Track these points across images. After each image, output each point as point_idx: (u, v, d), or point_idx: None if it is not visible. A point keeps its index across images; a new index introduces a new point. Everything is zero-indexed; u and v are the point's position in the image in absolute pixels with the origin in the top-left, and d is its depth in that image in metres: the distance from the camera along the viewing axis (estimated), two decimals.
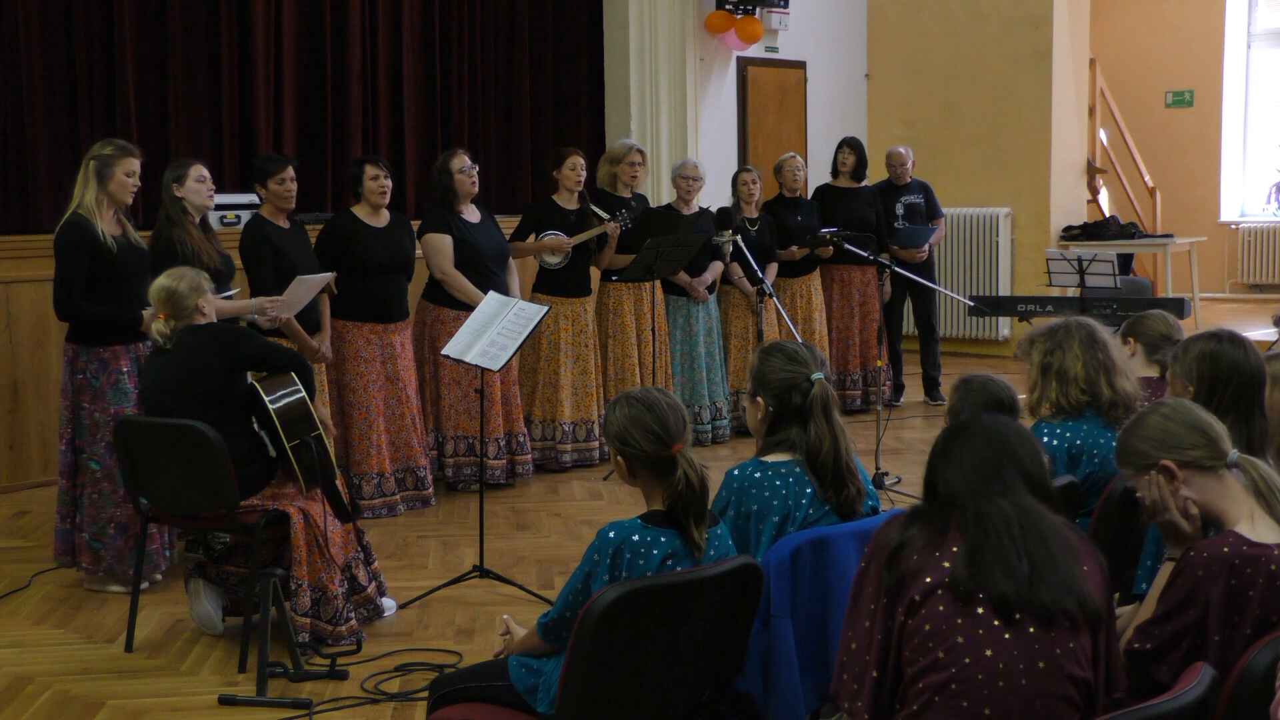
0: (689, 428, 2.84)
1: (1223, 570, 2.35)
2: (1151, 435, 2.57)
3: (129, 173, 4.96)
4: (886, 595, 2.17)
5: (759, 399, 3.12)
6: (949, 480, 2.27)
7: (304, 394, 4.34)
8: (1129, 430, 2.63)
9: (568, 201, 6.91)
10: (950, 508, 2.22)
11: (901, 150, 8.65)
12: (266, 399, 4.24)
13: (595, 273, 7.18)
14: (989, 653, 2.08)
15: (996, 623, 2.09)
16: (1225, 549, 2.37)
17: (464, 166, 6.34)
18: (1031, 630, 2.08)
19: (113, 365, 4.96)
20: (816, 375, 3.07)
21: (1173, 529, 2.56)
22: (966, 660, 2.07)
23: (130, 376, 4.99)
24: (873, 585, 2.21)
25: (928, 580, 2.13)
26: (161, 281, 4.38)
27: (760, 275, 7.00)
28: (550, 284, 6.89)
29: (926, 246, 8.48)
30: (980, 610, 2.09)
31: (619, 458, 2.80)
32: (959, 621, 2.09)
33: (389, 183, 6.06)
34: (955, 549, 2.15)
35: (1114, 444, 3.46)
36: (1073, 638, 2.11)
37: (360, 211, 6.08)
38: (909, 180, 8.66)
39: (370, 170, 6.03)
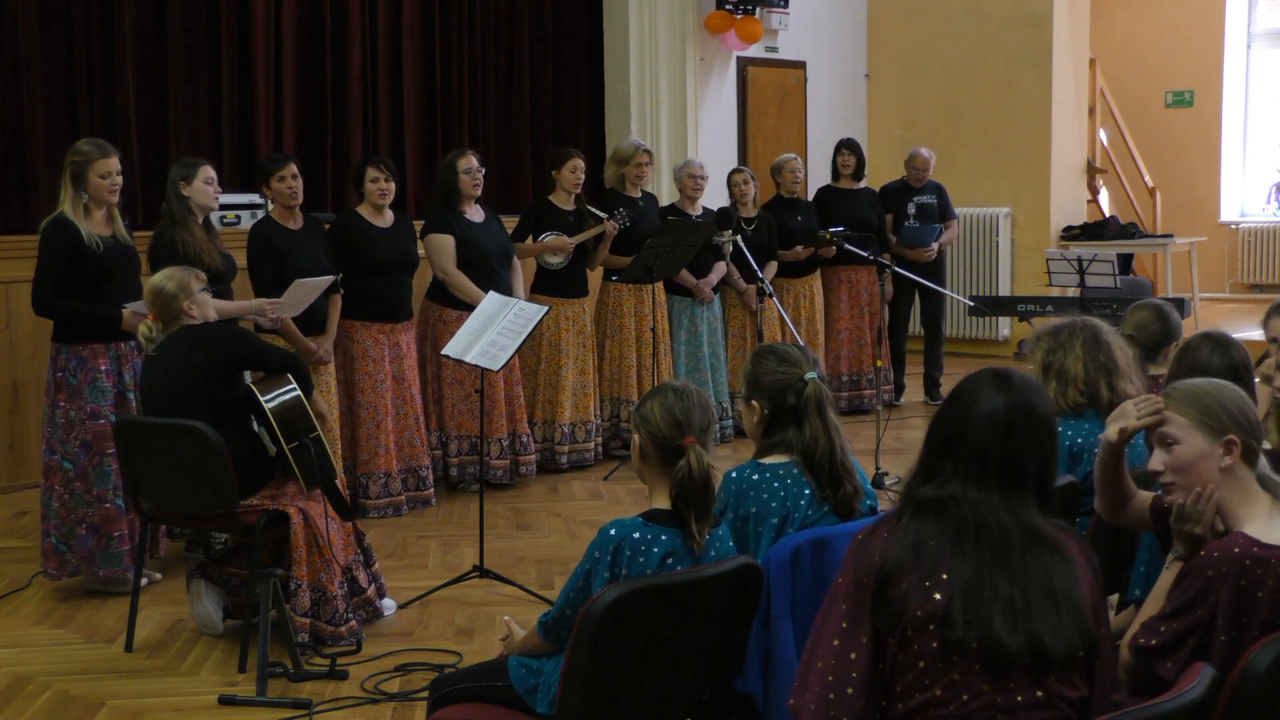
0: (712, 432, 2.85)
1: (1233, 571, 2.34)
2: (1232, 407, 2.53)
3: (104, 174, 4.87)
4: (876, 629, 2.10)
5: (754, 402, 3.12)
6: (975, 465, 2.15)
7: (299, 393, 4.33)
8: (1213, 388, 2.57)
9: (564, 202, 6.91)
10: (958, 511, 2.13)
11: (924, 153, 8.64)
12: (263, 400, 4.23)
13: (593, 273, 7.18)
14: (986, 687, 2.04)
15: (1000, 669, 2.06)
16: (1236, 549, 2.36)
17: (470, 168, 6.34)
18: (1027, 661, 2.05)
19: (91, 364, 4.92)
20: (810, 375, 3.07)
21: (1190, 538, 2.53)
22: (965, 697, 2.04)
23: (109, 375, 4.94)
24: (854, 609, 2.13)
25: (919, 614, 2.06)
26: (152, 279, 4.40)
27: (760, 275, 7.01)
28: (550, 285, 6.88)
29: (934, 246, 8.48)
30: (975, 645, 2.05)
31: (635, 437, 2.83)
32: (954, 659, 2.05)
33: (390, 185, 6.05)
34: (945, 576, 2.07)
35: None
36: (1074, 668, 2.09)
37: (364, 211, 6.09)
38: (926, 181, 8.67)
39: (371, 173, 6.04)
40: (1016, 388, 2.20)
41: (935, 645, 2.06)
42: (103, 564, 4.95)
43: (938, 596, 2.06)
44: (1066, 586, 2.09)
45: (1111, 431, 2.76)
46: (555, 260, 6.85)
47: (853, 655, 2.11)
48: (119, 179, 4.96)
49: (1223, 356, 3.23)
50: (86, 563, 4.96)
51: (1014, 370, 2.27)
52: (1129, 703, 2.32)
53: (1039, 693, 2.05)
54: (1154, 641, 2.41)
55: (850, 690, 2.11)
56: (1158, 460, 2.58)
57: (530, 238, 6.85)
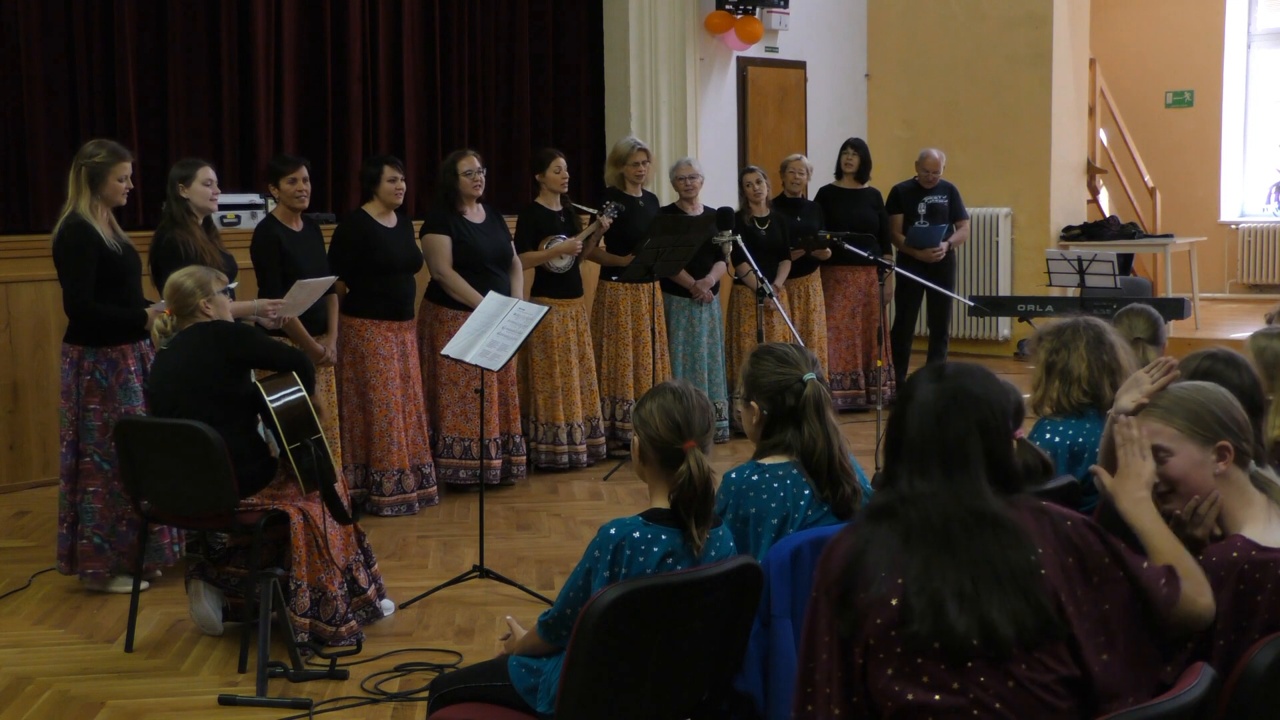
0: (712, 434, 2.84)
1: (1231, 576, 2.33)
2: (1220, 411, 2.50)
3: (122, 177, 4.94)
4: (842, 638, 2.11)
5: (753, 403, 3.12)
6: (917, 459, 2.17)
7: (305, 394, 4.34)
8: (1198, 393, 2.54)
9: (551, 203, 6.91)
10: (905, 509, 2.14)
11: (935, 154, 8.65)
12: (268, 399, 4.24)
13: (588, 272, 7.17)
14: (956, 685, 2.04)
15: (958, 658, 2.06)
16: (1234, 554, 2.35)
17: (470, 169, 6.34)
18: (978, 644, 2.04)
19: (121, 365, 4.97)
20: (809, 376, 3.07)
21: (1192, 541, 2.51)
22: (936, 698, 2.04)
23: (137, 375, 5.01)
24: (826, 619, 2.14)
25: (879, 622, 2.06)
26: (174, 276, 4.43)
27: (760, 276, 7.00)
28: (551, 287, 6.88)
29: (944, 246, 8.48)
30: (937, 645, 2.04)
31: (635, 438, 2.83)
32: (919, 662, 2.05)
33: (404, 185, 6.12)
34: (899, 579, 2.07)
35: None
36: (1037, 648, 2.07)
37: (373, 210, 6.09)
38: (937, 182, 8.67)
39: (389, 172, 6.07)
40: (949, 375, 2.22)
41: (899, 650, 2.06)
42: (145, 557, 4.96)
43: (894, 602, 2.07)
44: (1014, 565, 2.08)
45: (1126, 401, 2.71)
46: (563, 264, 6.85)
47: (838, 668, 2.13)
48: (131, 182, 5.04)
49: (1247, 375, 3.20)
50: (129, 557, 5.00)
51: (954, 363, 2.28)
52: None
53: (1010, 683, 2.04)
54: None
55: (853, 700, 2.12)
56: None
57: (534, 245, 6.84)
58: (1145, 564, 2.26)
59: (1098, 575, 2.16)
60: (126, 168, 4.97)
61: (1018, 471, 2.25)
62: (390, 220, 6.12)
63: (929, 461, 2.15)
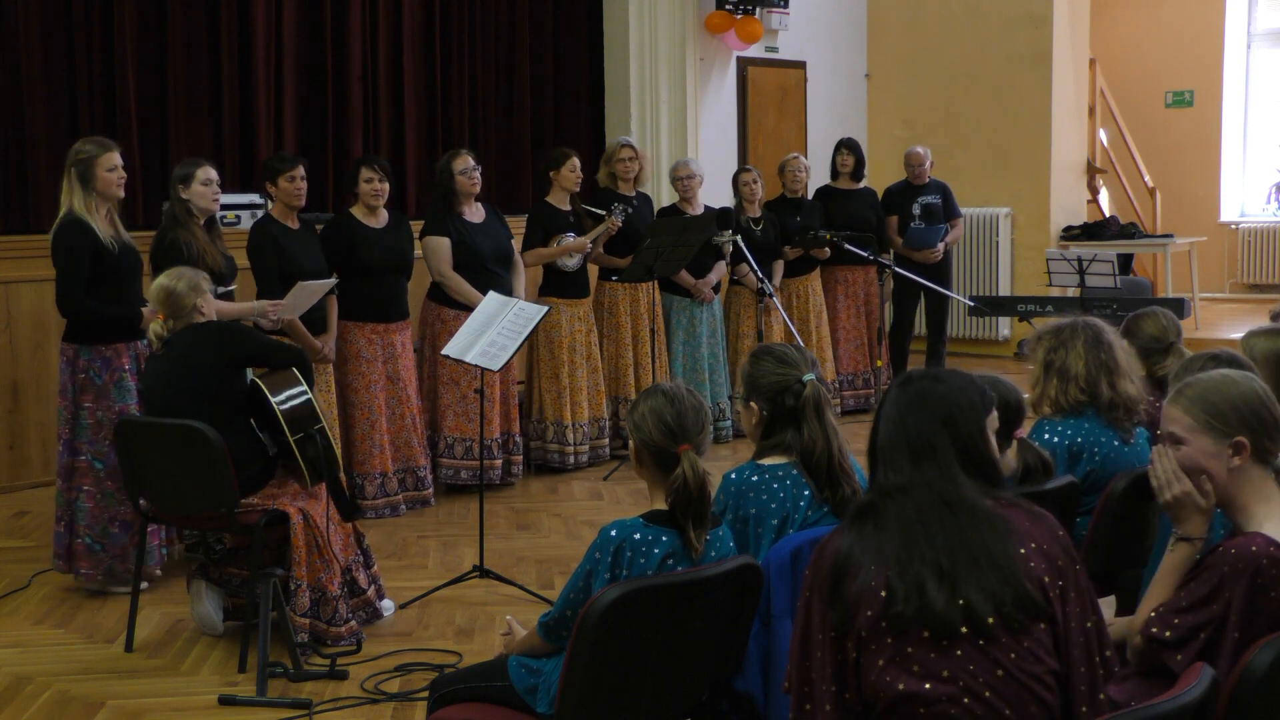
0: (707, 434, 2.83)
1: (1247, 569, 2.35)
2: (1244, 406, 2.49)
3: (110, 168, 4.90)
4: (834, 631, 2.14)
5: (753, 404, 3.12)
6: (888, 459, 2.27)
7: (310, 395, 4.33)
8: (1225, 386, 2.52)
9: (562, 202, 6.90)
10: (884, 503, 2.20)
11: (920, 150, 8.65)
12: (271, 397, 4.23)
13: (593, 272, 7.18)
14: (945, 673, 2.06)
15: (944, 642, 2.07)
16: (1254, 548, 2.37)
17: (465, 168, 6.33)
18: (981, 642, 2.07)
19: (115, 363, 4.96)
20: (808, 376, 3.07)
21: (1182, 506, 2.53)
22: (927, 686, 2.06)
23: (132, 375, 4.99)
24: (820, 617, 2.17)
25: (869, 614, 2.10)
26: (160, 281, 4.39)
27: (760, 276, 6.99)
28: (560, 286, 6.87)
29: (940, 246, 8.48)
30: (926, 634, 2.07)
31: (631, 441, 2.83)
32: (909, 651, 2.08)
33: (384, 185, 6.04)
34: (886, 572, 2.12)
35: (1115, 442, 3.46)
36: (1025, 635, 2.09)
37: (358, 213, 6.08)
38: (928, 180, 8.67)
39: (365, 173, 6.03)
40: (913, 381, 2.31)
41: (890, 640, 2.09)
42: (134, 560, 4.95)
43: (883, 594, 2.11)
44: (990, 547, 2.12)
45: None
46: (572, 262, 6.84)
47: (832, 664, 2.15)
48: (124, 172, 5.00)
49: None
50: (120, 560, 4.99)
51: (922, 369, 2.36)
52: (1138, 696, 2.33)
53: (999, 672, 2.07)
54: (1167, 633, 2.41)
55: (846, 696, 2.15)
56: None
57: (543, 243, 6.84)
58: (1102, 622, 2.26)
59: (1075, 592, 2.18)
60: (113, 158, 4.92)
61: (995, 461, 2.29)
62: (378, 221, 6.09)
63: (899, 458, 2.25)
